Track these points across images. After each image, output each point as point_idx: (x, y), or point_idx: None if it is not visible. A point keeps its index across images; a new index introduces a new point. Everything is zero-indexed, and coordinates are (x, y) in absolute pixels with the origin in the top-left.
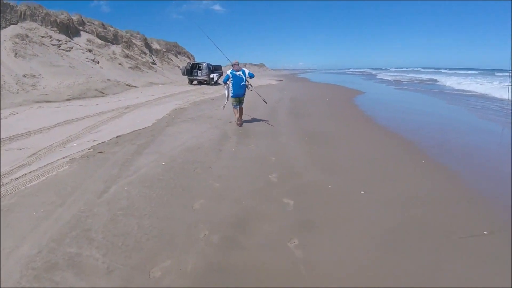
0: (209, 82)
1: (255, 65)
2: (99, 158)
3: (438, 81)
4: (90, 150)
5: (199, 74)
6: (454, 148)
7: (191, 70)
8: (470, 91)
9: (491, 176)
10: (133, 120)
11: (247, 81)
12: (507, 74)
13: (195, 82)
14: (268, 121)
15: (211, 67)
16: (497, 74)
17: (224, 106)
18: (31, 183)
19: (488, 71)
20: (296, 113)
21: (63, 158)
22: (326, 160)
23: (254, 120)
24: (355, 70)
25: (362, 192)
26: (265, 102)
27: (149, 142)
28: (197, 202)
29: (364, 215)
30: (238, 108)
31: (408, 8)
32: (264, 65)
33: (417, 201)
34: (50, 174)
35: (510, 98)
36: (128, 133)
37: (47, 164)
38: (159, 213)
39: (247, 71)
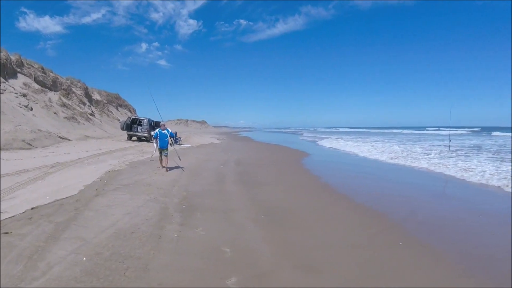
0: (149, 139)
1: (197, 121)
2: (2, 244)
3: (320, 140)
4: None
5: (139, 130)
6: (426, 219)
7: (131, 125)
8: (329, 147)
9: (477, 253)
10: (57, 184)
11: (170, 138)
12: (407, 131)
13: (134, 138)
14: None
15: (152, 123)
16: (404, 131)
17: (152, 156)
18: None
19: (401, 128)
20: (245, 180)
21: None
22: (295, 250)
23: (199, 187)
24: (288, 129)
25: None
26: (179, 159)
27: (71, 219)
28: None
29: None
30: (163, 157)
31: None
32: (206, 122)
33: None
34: None
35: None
36: (48, 203)
37: None
38: None
39: (170, 130)
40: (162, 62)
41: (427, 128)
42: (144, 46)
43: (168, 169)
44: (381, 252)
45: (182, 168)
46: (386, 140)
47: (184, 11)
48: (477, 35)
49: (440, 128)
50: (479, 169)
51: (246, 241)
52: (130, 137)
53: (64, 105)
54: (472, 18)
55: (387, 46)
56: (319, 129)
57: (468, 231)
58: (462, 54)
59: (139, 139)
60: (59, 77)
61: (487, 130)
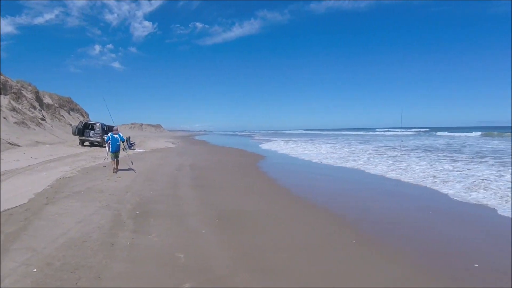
0: (102, 144)
1: (152, 125)
2: None
3: (264, 143)
4: None
5: (91, 135)
6: (379, 219)
7: (83, 130)
8: (267, 149)
9: (429, 249)
10: (6, 193)
11: (121, 143)
12: (346, 132)
13: (87, 143)
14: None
15: (105, 127)
16: (354, 132)
17: (104, 160)
18: None
19: (353, 130)
20: (200, 184)
21: None
22: (251, 253)
23: (151, 190)
24: (243, 132)
25: None
26: (132, 163)
27: (21, 229)
28: None
29: None
30: (115, 160)
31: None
32: (161, 126)
33: None
34: None
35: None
36: None
37: None
38: None
39: (121, 135)
40: (116, 65)
41: (376, 130)
42: (97, 48)
43: (117, 171)
44: (335, 251)
45: (134, 170)
46: (333, 142)
47: (139, 13)
48: (427, 39)
49: (390, 130)
50: (418, 168)
51: (200, 246)
52: (82, 143)
53: (14, 109)
54: (424, 21)
55: (340, 50)
56: (272, 132)
57: (417, 228)
58: (411, 58)
59: (92, 144)
60: (9, 80)
61: (435, 130)
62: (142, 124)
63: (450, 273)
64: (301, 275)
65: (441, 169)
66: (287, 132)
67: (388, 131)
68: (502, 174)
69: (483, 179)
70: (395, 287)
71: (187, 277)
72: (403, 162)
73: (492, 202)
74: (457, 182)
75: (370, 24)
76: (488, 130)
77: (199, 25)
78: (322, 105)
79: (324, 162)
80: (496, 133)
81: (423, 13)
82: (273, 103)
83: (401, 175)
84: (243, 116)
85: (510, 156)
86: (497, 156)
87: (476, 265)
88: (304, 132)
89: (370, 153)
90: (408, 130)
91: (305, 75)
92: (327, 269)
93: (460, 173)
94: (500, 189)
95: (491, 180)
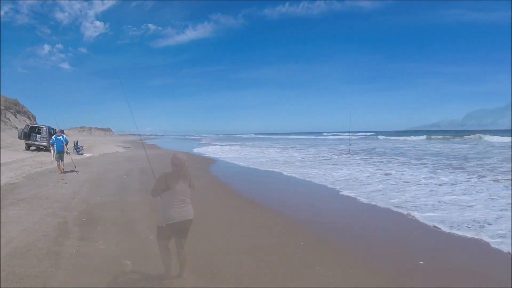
0: (48, 148)
1: (102, 129)
2: None
3: (202, 146)
4: None
5: (38, 139)
6: (329, 221)
7: (30, 134)
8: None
9: (376, 247)
10: None
11: (65, 145)
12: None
13: (33, 147)
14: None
15: (52, 131)
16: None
17: (52, 162)
18: None
19: (303, 134)
20: (149, 189)
21: None
22: (198, 258)
23: (98, 196)
24: (193, 136)
25: None
26: (75, 166)
27: None
28: None
29: None
30: (60, 162)
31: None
32: (110, 129)
33: None
34: None
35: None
36: None
37: None
38: None
39: (65, 137)
40: (65, 66)
41: (323, 133)
42: (46, 47)
43: (64, 172)
44: (283, 253)
45: (77, 172)
46: (280, 145)
47: (91, 12)
48: (375, 45)
49: (336, 133)
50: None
51: (147, 252)
52: (28, 147)
53: None
54: (373, 28)
55: (292, 54)
56: (222, 136)
57: (351, 229)
58: (357, 62)
59: (38, 148)
60: None
61: (380, 134)
62: (91, 128)
63: (398, 271)
64: (247, 277)
65: (367, 172)
66: (237, 136)
67: (335, 135)
68: (432, 176)
69: (405, 182)
70: (344, 287)
71: (134, 284)
72: (351, 167)
73: (402, 206)
74: (378, 184)
75: (322, 30)
76: (433, 134)
77: (152, 26)
78: (273, 110)
79: (258, 166)
80: (440, 136)
81: (372, 20)
82: (225, 107)
83: (343, 182)
84: (195, 119)
85: (448, 159)
86: (436, 159)
87: (422, 262)
88: (254, 136)
89: (314, 158)
90: (355, 134)
91: (257, 80)
92: (273, 269)
93: (386, 176)
94: (415, 193)
95: (413, 183)
